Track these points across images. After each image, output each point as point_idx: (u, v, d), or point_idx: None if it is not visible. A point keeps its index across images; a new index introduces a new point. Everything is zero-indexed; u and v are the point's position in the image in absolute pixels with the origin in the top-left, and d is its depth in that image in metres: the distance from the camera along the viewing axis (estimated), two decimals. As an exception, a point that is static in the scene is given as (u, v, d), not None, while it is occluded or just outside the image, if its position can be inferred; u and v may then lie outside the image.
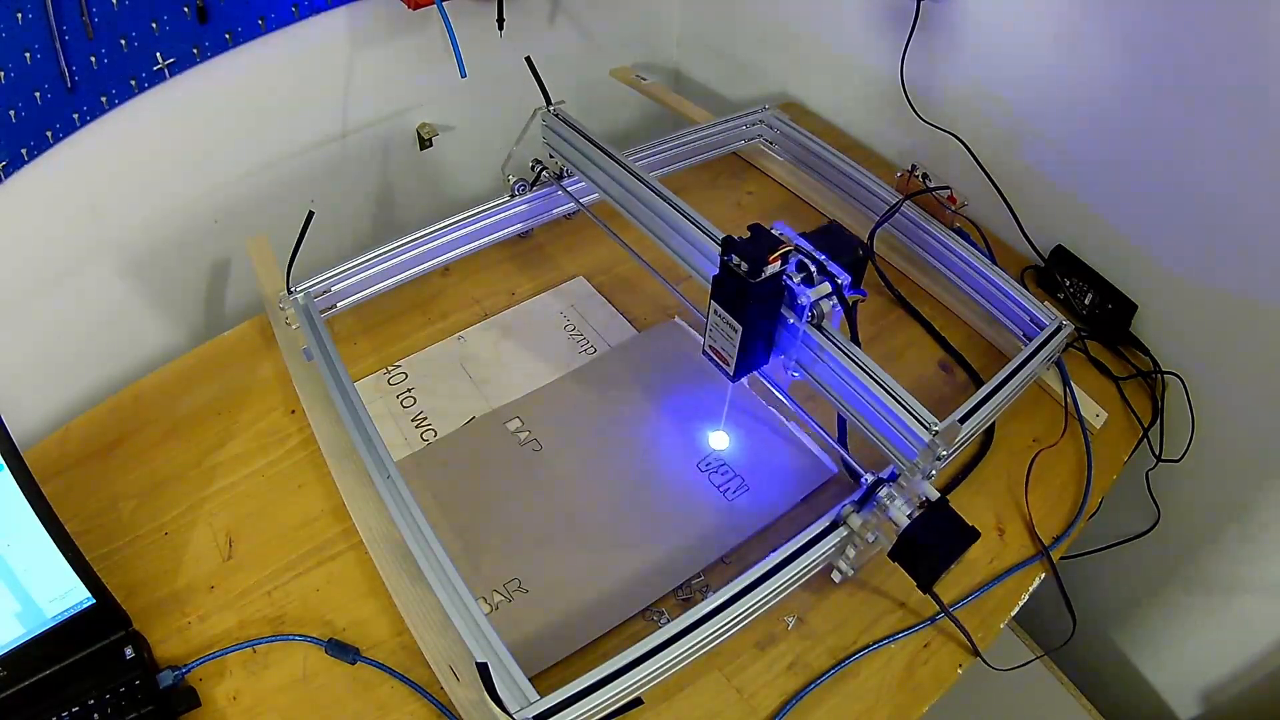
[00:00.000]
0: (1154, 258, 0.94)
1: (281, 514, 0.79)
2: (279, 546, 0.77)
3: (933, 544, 0.65)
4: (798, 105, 1.33)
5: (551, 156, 1.00)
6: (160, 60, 0.92)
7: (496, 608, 0.73)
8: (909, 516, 0.66)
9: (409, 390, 0.91)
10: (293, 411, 0.87)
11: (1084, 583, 1.17)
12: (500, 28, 1.17)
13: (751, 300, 0.67)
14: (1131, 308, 0.97)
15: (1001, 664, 0.76)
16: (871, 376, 0.69)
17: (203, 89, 0.98)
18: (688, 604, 0.73)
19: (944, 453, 0.65)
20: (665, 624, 0.64)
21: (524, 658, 0.66)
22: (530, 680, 0.60)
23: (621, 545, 0.78)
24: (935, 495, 0.67)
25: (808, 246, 0.69)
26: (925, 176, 1.00)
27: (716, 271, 0.69)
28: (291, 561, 0.76)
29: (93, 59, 0.87)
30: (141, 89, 0.93)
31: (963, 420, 0.74)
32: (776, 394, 0.79)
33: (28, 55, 0.82)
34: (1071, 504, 0.84)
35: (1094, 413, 0.90)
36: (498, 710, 0.57)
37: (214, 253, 1.14)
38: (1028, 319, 0.90)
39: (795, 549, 0.69)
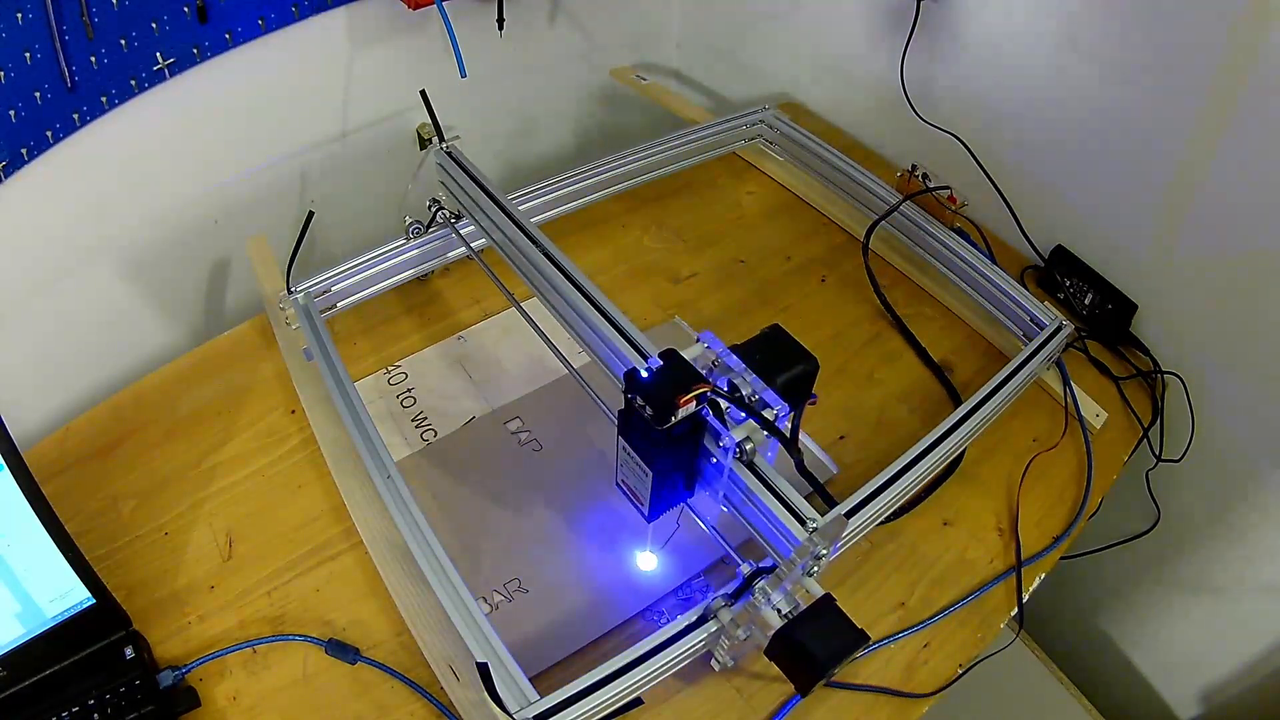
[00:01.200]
0: (1154, 258, 0.94)
1: (281, 514, 0.79)
2: (279, 546, 0.77)
3: (812, 646, 0.57)
4: (798, 105, 1.33)
5: (447, 197, 0.94)
6: (160, 60, 0.92)
7: (496, 608, 0.73)
8: (785, 616, 0.60)
9: (409, 390, 0.91)
10: (293, 411, 0.87)
11: (1084, 583, 1.17)
12: (500, 28, 1.17)
13: (661, 447, 0.58)
14: (1131, 308, 0.97)
15: (1001, 664, 0.76)
16: (768, 485, 0.62)
17: (203, 89, 0.98)
18: (688, 604, 0.73)
19: (823, 553, 0.58)
20: (665, 624, 0.64)
21: (524, 658, 0.66)
22: (530, 680, 0.60)
23: (621, 545, 0.78)
24: (819, 592, 0.60)
25: (737, 365, 0.61)
26: (925, 176, 1.00)
27: (622, 368, 0.62)
28: (291, 561, 0.76)
29: (93, 59, 0.87)
30: (141, 89, 0.93)
31: (850, 514, 0.67)
32: (706, 529, 0.71)
33: (28, 55, 0.82)
34: (1071, 504, 0.84)
35: (1094, 413, 0.90)
36: (498, 710, 0.57)
37: (214, 253, 1.14)
38: (1028, 319, 0.90)
39: (663, 639, 0.63)
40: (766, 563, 0.63)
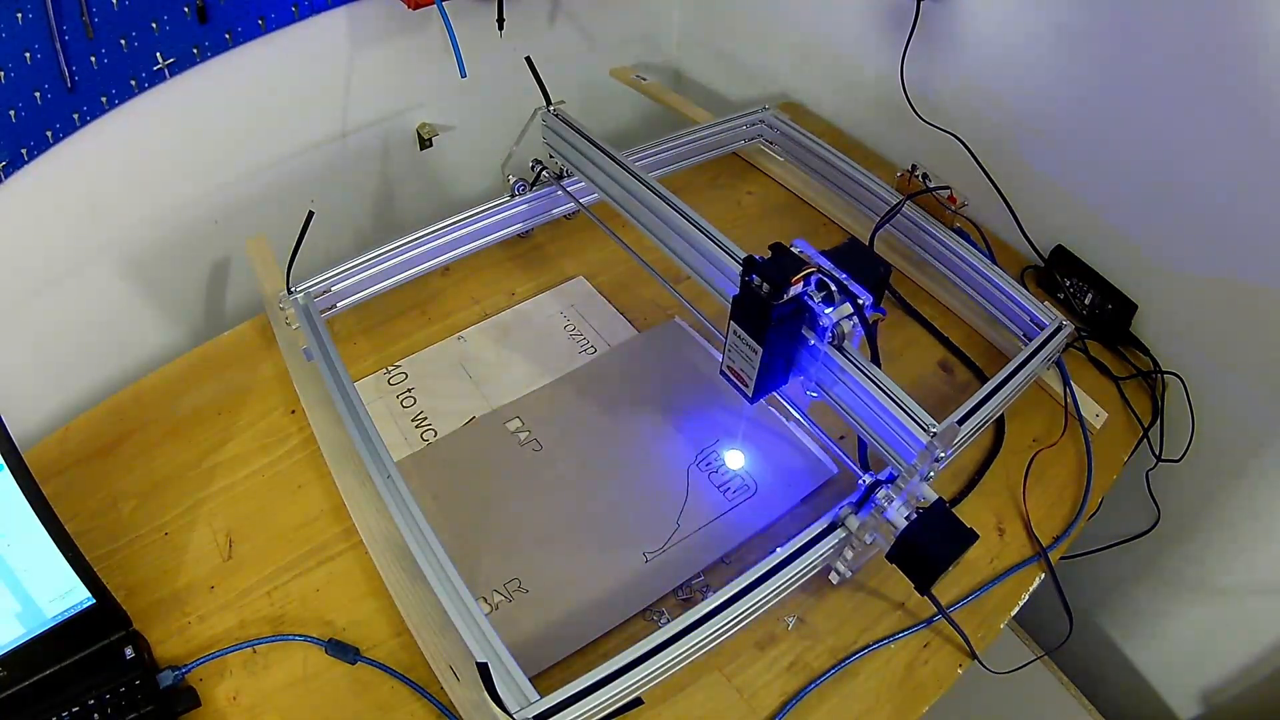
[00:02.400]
0: (1154, 258, 0.94)
1: (281, 514, 0.79)
2: (279, 546, 0.77)
3: (931, 546, 0.64)
4: (798, 105, 1.33)
5: (552, 157, 1.00)
6: (160, 60, 0.92)
7: (496, 608, 0.73)
8: (906, 519, 0.65)
9: (409, 390, 0.91)
10: (293, 411, 0.87)
11: (1084, 583, 1.17)
12: (500, 28, 1.17)
13: (774, 322, 0.65)
14: (1131, 308, 0.97)
15: (1001, 664, 0.77)
16: (883, 389, 0.69)
17: (203, 89, 0.98)
18: (688, 604, 0.73)
19: (942, 454, 0.64)
20: (665, 624, 0.64)
21: (524, 658, 0.66)
22: (530, 680, 0.60)
23: (621, 545, 0.78)
24: (933, 497, 0.66)
25: (829, 266, 0.68)
26: (925, 176, 1.00)
27: (734, 291, 0.68)
28: (291, 561, 0.76)
29: (93, 59, 0.87)
30: (141, 89, 0.93)
31: (961, 421, 0.74)
32: (794, 412, 0.79)
33: (28, 55, 0.82)
34: (1071, 504, 0.84)
35: (1094, 413, 0.90)
36: (498, 710, 0.57)
37: (214, 253, 1.14)
38: (1028, 319, 0.90)
39: (793, 550, 0.69)
40: (885, 474, 0.70)
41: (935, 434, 0.65)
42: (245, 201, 1.12)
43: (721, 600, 0.66)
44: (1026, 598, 0.78)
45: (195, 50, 0.95)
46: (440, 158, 1.31)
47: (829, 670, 0.71)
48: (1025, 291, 0.91)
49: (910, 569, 0.66)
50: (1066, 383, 0.90)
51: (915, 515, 0.66)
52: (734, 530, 0.79)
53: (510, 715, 0.57)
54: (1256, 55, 0.77)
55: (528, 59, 0.95)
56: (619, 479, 0.83)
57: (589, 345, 0.96)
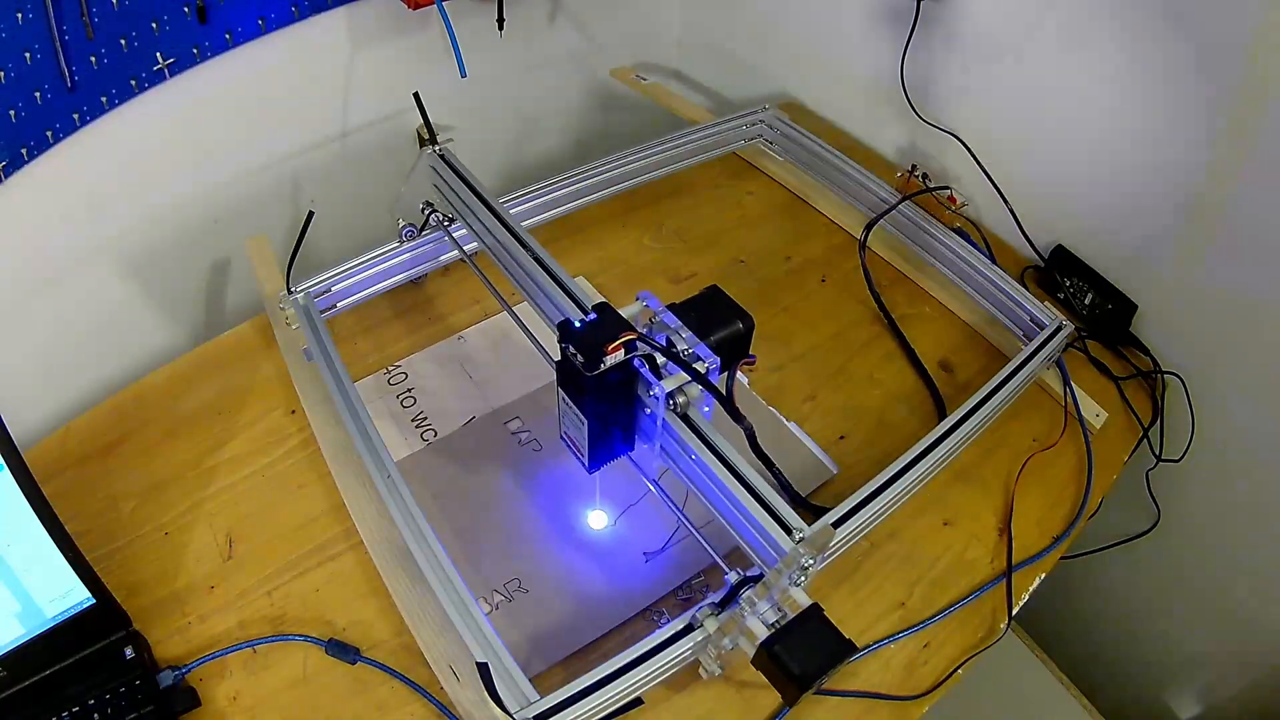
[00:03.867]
0: (1154, 257, 0.94)
1: (281, 514, 0.79)
2: (279, 546, 0.77)
3: (798, 659, 0.57)
4: (798, 105, 1.33)
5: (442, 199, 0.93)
6: (160, 60, 0.92)
7: (496, 608, 0.73)
8: (774, 624, 0.59)
9: (409, 390, 0.91)
10: (293, 411, 0.87)
11: (1084, 583, 1.17)
12: (500, 28, 1.17)
13: (589, 393, 0.60)
14: (1131, 308, 0.97)
15: (1001, 664, 0.76)
16: (726, 464, 0.63)
17: (203, 89, 0.98)
18: (688, 604, 0.73)
19: (809, 563, 0.58)
20: (665, 624, 0.64)
21: (524, 658, 0.66)
22: (530, 680, 0.60)
23: (621, 545, 0.78)
24: (806, 602, 0.60)
25: (673, 322, 0.63)
26: (925, 176, 1.00)
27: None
28: (291, 561, 0.76)
29: (93, 59, 0.87)
30: (141, 89, 0.93)
31: (837, 524, 0.67)
32: (648, 484, 0.73)
33: (28, 55, 0.82)
34: (1071, 504, 0.84)
35: (1094, 413, 0.90)
36: (498, 710, 0.57)
37: (214, 253, 1.14)
38: (1028, 319, 0.90)
39: (646, 650, 0.62)
40: (753, 571, 0.62)
41: (802, 538, 0.58)
42: (245, 201, 1.12)
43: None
44: (1026, 598, 0.78)
45: (195, 50, 0.95)
46: (440, 157, 1.31)
47: (829, 670, 0.70)
48: (1025, 291, 0.91)
49: (775, 681, 0.59)
50: (1066, 383, 0.90)
51: (783, 621, 0.60)
52: (730, 534, 0.79)
53: (510, 715, 0.57)
54: (1256, 55, 0.77)
55: (415, 95, 0.89)
56: (619, 479, 0.83)
57: (589, 345, 0.96)
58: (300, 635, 0.70)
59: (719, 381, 0.63)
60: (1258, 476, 0.94)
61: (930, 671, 0.72)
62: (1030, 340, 0.88)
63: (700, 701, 0.69)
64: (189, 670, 0.67)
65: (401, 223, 0.91)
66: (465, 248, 0.91)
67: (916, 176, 1.00)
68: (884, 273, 1.04)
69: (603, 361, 0.58)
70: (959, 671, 0.72)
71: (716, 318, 0.65)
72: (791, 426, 0.88)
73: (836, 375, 0.94)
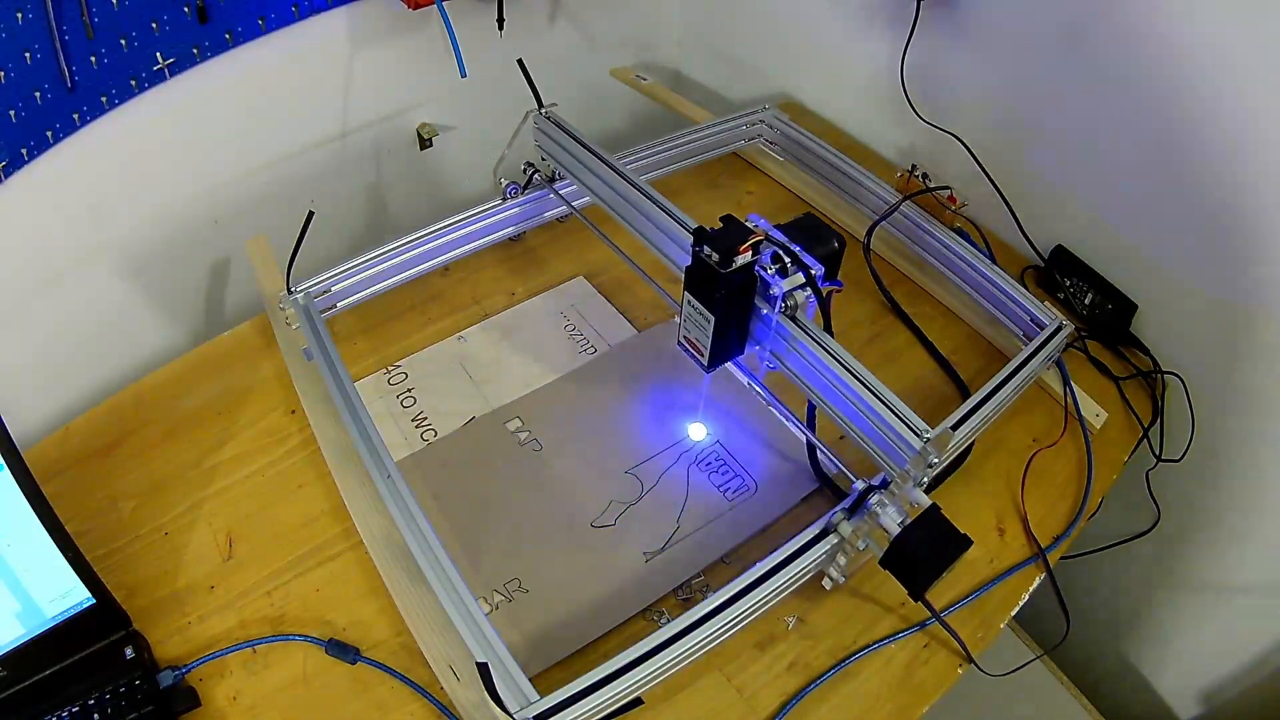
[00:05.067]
0: (1154, 258, 0.94)
1: (281, 514, 0.79)
2: (279, 546, 0.77)
3: (924, 553, 0.64)
4: (798, 105, 1.33)
5: (544, 160, 1.00)
6: (160, 60, 0.92)
7: (496, 608, 0.73)
8: (899, 524, 0.65)
9: (409, 390, 0.91)
10: (293, 411, 0.87)
11: (1084, 583, 1.17)
12: (500, 28, 1.17)
13: (722, 290, 0.66)
14: (1131, 308, 0.97)
15: (1000, 665, 0.76)
16: (851, 372, 0.69)
17: (203, 89, 0.98)
18: (688, 604, 0.73)
19: (936, 460, 0.63)
20: (665, 624, 0.64)
21: (524, 658, 0.66)
22: (530, 680, 0.60)
23: (621, 545, 0.78)
24: (927, 502, 0.66)
25: (781, 237, 0.69)
26: (925, 176, 1.00)
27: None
28: (291, 561, 0.76)
29: (93, 59, 0.87)
30: (141, 89, 0.93)
31: (955, 427, 0.74)
32: (753, 386, 0.79)
33: (28, 55, 0.82)
34: (1071, 504, 0.84)
35: (1094, 413, 0.90)
36: (498, 710, 0.57)
37: (214, 253, 1.14)
38: (1028, 319, 0.90)
39: (784, 557, 0.67)
40: (878, 479, 0.69)
41: (929, 439, 0.64)
42: (245, 201, 1.12)
43: (714, 605, 0.65)
44: (1026, 598, 0.78)
45: (195, 50, 0.95)
46: (440, 158, 1.31)
47: (829, 670, 0.71)
48: (1025, 291, 0.91)
49: (904, 575, 0.66)
50: (1066, 383, 0.90)
51: (908, 521, 0.65)
52: (734, 530, 0.79)
53: (510, 715, 0.57)
54: (1257, 56, 0.77)
55: (519, 61, 0.95)
56: (618, 478, 0.83)
57: (589, 345, 0.96)
58: (300, 635, 0.70)
59: (815, 313, 0.71)
60: (1258, 476, 0.94)
61: (931, 671, 0.72)
62: (1030, 340, 0.88)
63: (701, 701, 0.69)
64: (189, 670, 0.67)
65: (504, 181, 0.98)
66: (575, 203, 0.99)
67: (916, 176, 1.00)
68: (884, 272, 1.04)
69: (734, 261, 0.65)
70: (959, 671, 0.72)
71: (817, 237, 0.71)
72: (792, 426, 0.88)
73: (836, 375, 0.94)
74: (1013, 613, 0.77)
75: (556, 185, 1.00)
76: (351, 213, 1.27)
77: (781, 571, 0.67)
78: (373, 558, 0.75)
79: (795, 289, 0.68)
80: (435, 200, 1.35)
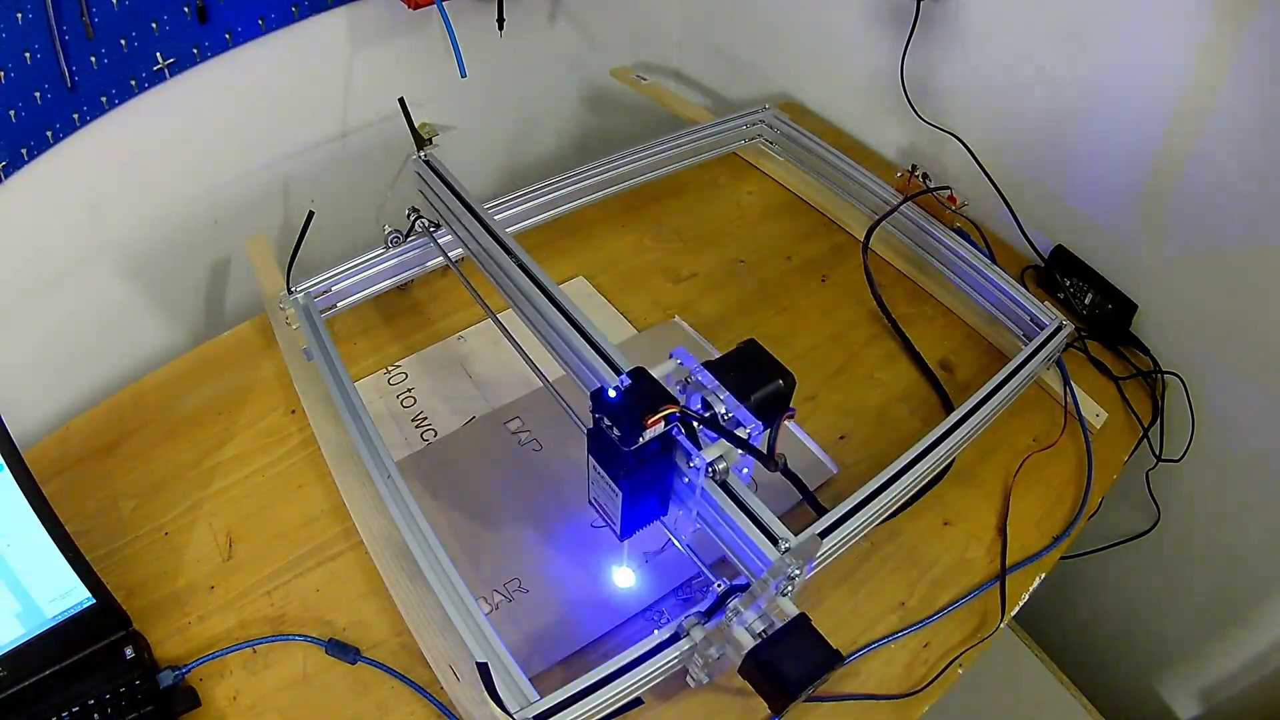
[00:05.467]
0: (1154, 258, 0.94)
1: (281, 514, 0.79)
2: (279, 546, 0.77)
3: (784, 667, 0.57)
4: (798, 105, 1.33)
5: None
6: (160, 60, 0.92)
7: (496, 608, 0.73)
8: (762, 634, 0.59)
9: (409, 390, 0.91)
10: (293, 411, 0.87)
11: (1084, 583, 1.17)
12: (500, 28, 1.17)
13: (629, 467, 0.57)
14: (1131, 308, 0.97)
15: (1001, 664, 0.76)
16: (726, 489, 0.61)
17: (203, 89, 0.98)
18: (688, 604, 0.72)
19: (796, 573, 0.57)
20: (665, 624, 0.64)
21: (524, 658, 0.66)
22: (530, 680, 0.60)
23: (621, 545, 0.78)
24: (793, 612, 0.59)
25: (709, 382, 0.59)
26: (925, 176, 1.00)
27: (595, 382, 0.62)
28: (291, 561, 0.76)
29: (93, 59, 0.87)
30: (141, 89, 0.93)
31: (824, 534, 0.66)
32: (676, 543, 0.70)
33: (28, 55, 0.82)
34: (1071, 504, 0.84)
35: (1094, 412, 0.90)
36: (498, 710, 0.57)
37: (214, 253, 1.14)
38: (1028, 319, 0.90)
39: (633, 658, 0.61)
40: (740, 581, 0.61)
41: (788, 549, 0.57)
42: (245, 201, 1.12)
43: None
44: (1026, 598, 0.78)
45: (195, 50, 0.95)
46: (440, 158, 1.30)
47: (829, 670, 0.70)
48: (1025, 291, 0.91)
49: (762, 690, 0.59)
50: (1067, 383, 0.90)
51: (770, 630, 0.59)
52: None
53: (510, 715, 0.57)
54: (1257, 58, 0.77)
55: (400, 100, 0.88)
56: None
57: (589, 345, 0.96)
58: (300, 635, 0.70)
59: (760, 442, 0.60)
60: (1258, 476, 0.94)
61: (931, 671, 0.72)
62: (1030, 340, 0.88)
63: (701, 702, 0.69)
64: (189, 670, 0.67)
65: (387, 229, 0.91)
66: (451, 254, 0.91)
67: (917, 176, 1.00)
68: (884, 273, 1.04)
69: (641, 435, 0.55)
70: (951, 671, 0.72)
71: (755, 375, 0.61)
72: (792, 426, 0.88)
73: (836, 375, 0.94)
74: (1013, 613, 0.77)
75: (438, 234, 0.91)
76: (352, 213, 1.26)
77: (626, 675, 0.60)
78: (373, 558, 0.75)
79: (723, 455, 0.58)
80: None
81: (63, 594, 0.64)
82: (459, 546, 0.77)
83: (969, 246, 0.96)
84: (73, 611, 0.65)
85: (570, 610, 0.73)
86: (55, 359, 1.01)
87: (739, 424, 0.58)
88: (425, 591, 0.66)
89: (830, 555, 0.69)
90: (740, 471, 0.62)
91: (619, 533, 0.64)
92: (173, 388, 0.89)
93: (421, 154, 0.91)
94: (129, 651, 0.67)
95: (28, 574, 0.63)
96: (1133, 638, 1.17)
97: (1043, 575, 0.79)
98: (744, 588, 0.60)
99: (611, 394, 0.55)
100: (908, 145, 1.17)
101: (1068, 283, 1.01)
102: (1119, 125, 0.92)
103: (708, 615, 0.61)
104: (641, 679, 0.61)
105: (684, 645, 0.62)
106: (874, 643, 0.72)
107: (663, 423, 0.55)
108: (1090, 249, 1.00)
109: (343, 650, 0.69)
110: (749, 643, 0.58)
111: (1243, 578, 1.00)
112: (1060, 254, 1.02)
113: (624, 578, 0.75)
